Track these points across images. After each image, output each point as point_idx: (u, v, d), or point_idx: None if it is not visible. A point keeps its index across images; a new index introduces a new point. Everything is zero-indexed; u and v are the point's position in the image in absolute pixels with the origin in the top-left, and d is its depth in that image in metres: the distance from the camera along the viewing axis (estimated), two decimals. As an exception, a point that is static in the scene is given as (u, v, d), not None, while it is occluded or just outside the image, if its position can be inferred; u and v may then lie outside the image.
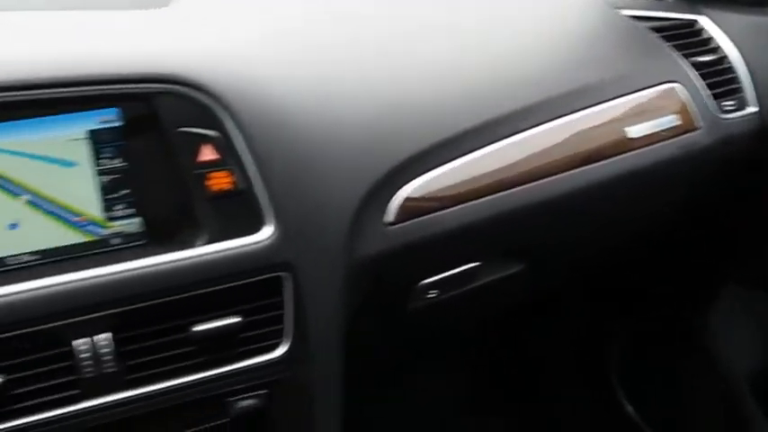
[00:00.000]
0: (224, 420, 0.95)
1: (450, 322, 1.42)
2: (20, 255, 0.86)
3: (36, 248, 0.87)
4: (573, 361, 1.88)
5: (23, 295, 0.83)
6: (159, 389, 0.90)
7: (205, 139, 0.91)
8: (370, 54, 1.13)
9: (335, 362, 1.02)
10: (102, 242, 0.90)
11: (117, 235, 0.91)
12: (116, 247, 0.90)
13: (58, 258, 0.88)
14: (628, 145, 1.24)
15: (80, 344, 0.85)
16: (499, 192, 1.12)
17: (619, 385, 1.83)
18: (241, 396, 0.95)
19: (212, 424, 0.95)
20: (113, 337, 0.87)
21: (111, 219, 0.90)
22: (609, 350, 1.84)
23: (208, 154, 0.91)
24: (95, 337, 0.86)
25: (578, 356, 1.88)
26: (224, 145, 0.92)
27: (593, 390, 1.86)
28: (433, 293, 1.16)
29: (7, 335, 0.82)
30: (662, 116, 1.28)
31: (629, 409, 1.81)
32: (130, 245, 0.91)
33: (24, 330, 0.83)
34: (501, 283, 1.24)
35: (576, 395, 1.88)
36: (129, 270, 0.88)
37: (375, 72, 1.11)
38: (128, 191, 0.91)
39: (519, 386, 1.89)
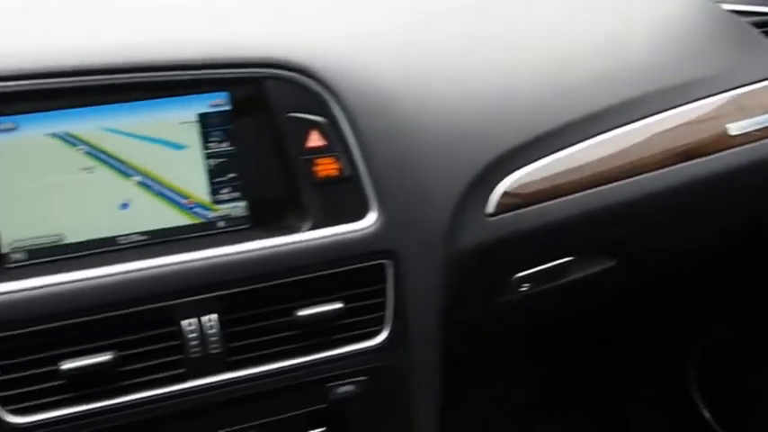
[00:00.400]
0: (321, 406, 0.96)
1: (537, 317, 1.41)
2: (130, 234, 0.88)
3: (145, 229, 0.89)
4: (650, 363, 1.85)
5: (134, 274, 0.85)
6: (260, 372, 0.91)
7: (313, 125, 0.92)
8: (473, 47, 1.13)
9: (434, 351, 1.01)
10: (209, 225, 0.91)
11: (222, 218, 0.92)
12: (221, 230, 0.91)
13: (166, 239, 0.89)
14: (728, 142, 1.21)
15: (188, 324, 0.86)
16: (597, 186, 1.10)
17: (696, 390, 1.79)
18: (340, 382, 0.95)
19: (310, 409, 0.96)
20: (219, 318, 0.87)
21: (218, 202, 0.91)
22: (687, 354, 1.80)
23: (315, 140, 0.92)
24: (202, 318, 0.87)
25: (656, 359, 1.84)
26: (331, 131, 0.92)
27: (669, 393, 1.83)
28: (525, 287, 1.15)
29: (119, 313, 0.84)
30: (763, 113, 1.24)
31: (706, 413, 1.77)
32: (235, 228, 0.92)
33: (135, 309, 0.85)
34: (592, 279, 1.22)
35: (653, 398, 1.85)
36: (234, 253, 0.89)
37: (477, 65, 1.10)
38: (234, 174, 0.92)
39: (595, 387, 1.86)
